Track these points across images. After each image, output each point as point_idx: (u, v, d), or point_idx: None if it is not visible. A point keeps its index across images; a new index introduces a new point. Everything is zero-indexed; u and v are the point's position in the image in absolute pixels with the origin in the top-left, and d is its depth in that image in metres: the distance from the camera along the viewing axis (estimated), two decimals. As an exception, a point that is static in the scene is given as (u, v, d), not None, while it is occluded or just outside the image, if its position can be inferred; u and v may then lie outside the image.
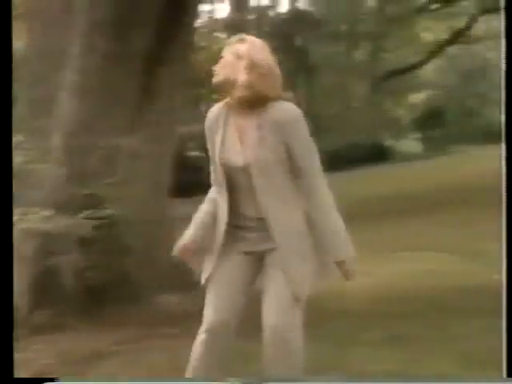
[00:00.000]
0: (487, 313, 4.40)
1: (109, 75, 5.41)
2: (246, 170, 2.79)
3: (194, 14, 6.42)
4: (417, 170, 18.15)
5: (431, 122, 27.98)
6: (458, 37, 23.01)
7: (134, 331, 4.67)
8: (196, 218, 2.98)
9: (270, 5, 26.45)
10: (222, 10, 27.30)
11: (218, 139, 2.87)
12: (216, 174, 2.91)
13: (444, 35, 23.57)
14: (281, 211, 2.80)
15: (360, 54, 28.86)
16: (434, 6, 22.44)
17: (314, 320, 4.62)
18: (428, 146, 27.74)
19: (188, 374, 2.94)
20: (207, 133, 2.93)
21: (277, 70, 2.90)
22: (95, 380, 3.60)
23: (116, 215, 4.86)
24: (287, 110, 2.81)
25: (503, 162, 2.86)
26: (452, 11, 22.12)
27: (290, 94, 2.92)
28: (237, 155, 2.82)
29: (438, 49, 23.68)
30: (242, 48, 2.81)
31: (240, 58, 2.80)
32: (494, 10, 21.87)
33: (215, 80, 2.83)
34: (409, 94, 29.83)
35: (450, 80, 30.16)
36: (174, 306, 5.09)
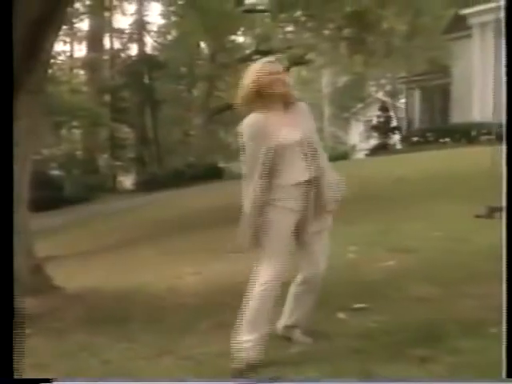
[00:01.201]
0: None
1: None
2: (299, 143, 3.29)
3: (50, 52, 6.13)
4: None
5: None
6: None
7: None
8: None
9: (121, 48, 26.10)
10: (81, 51, 26.75)
11: (271, 130, 3.29)
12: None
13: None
14: None
15: (198, 92, 29.09)
16: (256, 57, 23.18)
17: (155, 315, 4.55)
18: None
19: None
20: (258, 132, 3.35)
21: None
22: (96, 380, 3.26)
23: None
24: (302, 103, 3.45)
25: (503, 163, 2.55)
26: (269, 62, 22.97)
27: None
28: (290, 135, 3.27)
29: (259, 90, 24.39)
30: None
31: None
32: (304, 62, 23.00)
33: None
34: (237, 125, 30.49)
35: (269, 115, 31.16)
36: (28, 309, 4.80)
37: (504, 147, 2.54)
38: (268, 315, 3.24)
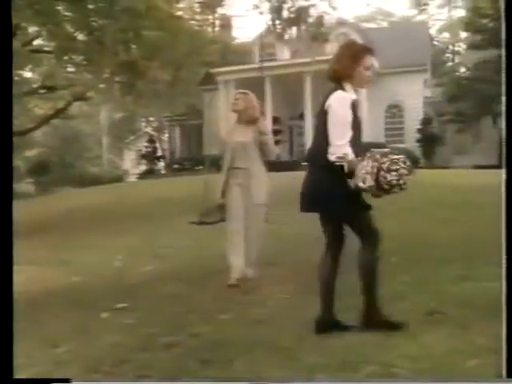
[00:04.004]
0: (71, 305, 4.20)
1: None
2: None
3: None
4: (30, 206, 16.99)
5: (41, 170, 26.70)
6: (59, 113, 22.52)
7: None
8: None
9: None
10: None
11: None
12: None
13: (50, 111, 22.90)
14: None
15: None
16: (42, 91, 21.61)
17: None
18: (38, 188, 26.40)
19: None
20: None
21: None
22: (98, 380, 2.57)
23: None
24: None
25: (503, 186, 2.20)
26: (54, 96, 21.65)
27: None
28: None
29: (45, 120, 22.87)
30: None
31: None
32: (85, 98, 22.09)
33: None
34: (25, 150, 28.15)
35: (54, 142, 29.39)
36: None
37: (504, 171, 2.24)
38: None
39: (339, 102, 2.77)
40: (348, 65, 2.81)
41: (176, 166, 22.84)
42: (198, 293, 4.12)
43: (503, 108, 2.17)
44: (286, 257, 5.11)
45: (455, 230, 5.88)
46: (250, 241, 4.19)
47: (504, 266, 2.12)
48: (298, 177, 3.19)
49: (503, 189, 2.15)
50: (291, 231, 6.33)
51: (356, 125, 2.80)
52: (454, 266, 4.14)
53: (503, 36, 2.16)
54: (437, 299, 3.36)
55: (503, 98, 2.15)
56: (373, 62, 2.88)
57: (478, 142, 22.35)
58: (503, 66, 2.15)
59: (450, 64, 32.84)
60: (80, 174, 26.47)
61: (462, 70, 28.85)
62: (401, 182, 2.68)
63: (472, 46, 24.42)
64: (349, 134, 2.73)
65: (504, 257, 2.13)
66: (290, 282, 4.21)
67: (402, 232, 6.01)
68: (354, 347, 2.73)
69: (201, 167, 20.68)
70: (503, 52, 2.16)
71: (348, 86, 2.82)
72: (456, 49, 34.70)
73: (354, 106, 2.80)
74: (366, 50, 2.86)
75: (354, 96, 2.82)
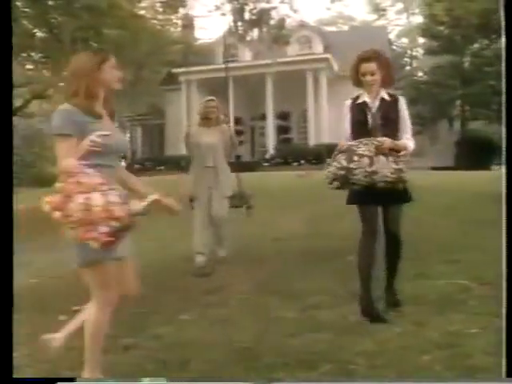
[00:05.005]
0: (28, 308, 4.09)
1: None
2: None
3: None
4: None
5: (-4, 170, 25.80)
6: (17, 111, 21.84)
7: None
8: None
9: None
10: None
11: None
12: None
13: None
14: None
15: None
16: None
17: None
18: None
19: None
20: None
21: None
22: (102, 380, 2.43)
23: None
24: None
25: (503, 183, 2.15)
26: (12, 94, 20.94)
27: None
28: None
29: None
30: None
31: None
32: (44, 97, 21.48)
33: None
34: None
35: (13, 141, 28.44)
36: None
37: (504, 168, 2.22)
38: None
39: (343, 108, 3.28)
40: (351, 75, 3.27)
41: (137, 167, 22.52)
42: (160, 293, 4.08)
43: (503, 108, 2.17)
44: (245, 256, 5.12)
45: (409, 229, 6.02)
46: (220, 228, 4.84)
47: (504, 266, 2.13)
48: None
49: (503, 189, 2.15)
50: (250, 230, 6.35)
51: (363, 124, 3.13)
52: (409, 265, 4.24)
53: (503, 36, 2.19)
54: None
55: (503, 98, 2.15)
56: (369, 67, 3.19)
57: (435, 144, 22.98)
58: (503, 67, 2.15)
59: (408, 68, 33.62)
60: (39, 174, 25.74)
61: (420, 74, 29.58)
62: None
63: (429, 52, 25.11)
64: (346, 133, 3.21)
65: (504, 257, 2.13)
66: (248, 282, 4.23)
67: (357, 230, 6.11)
68: (311, 346, 2.77)
69: (162, 167, 20.49)
70: (503, 53, 2.17)
71: (362, 92, 3.23)
72: (414, 54, 35.56)
73: (355, 109, 3.20)
74: (360, 59, 3.23)
75: (362, 99, 3.20)
